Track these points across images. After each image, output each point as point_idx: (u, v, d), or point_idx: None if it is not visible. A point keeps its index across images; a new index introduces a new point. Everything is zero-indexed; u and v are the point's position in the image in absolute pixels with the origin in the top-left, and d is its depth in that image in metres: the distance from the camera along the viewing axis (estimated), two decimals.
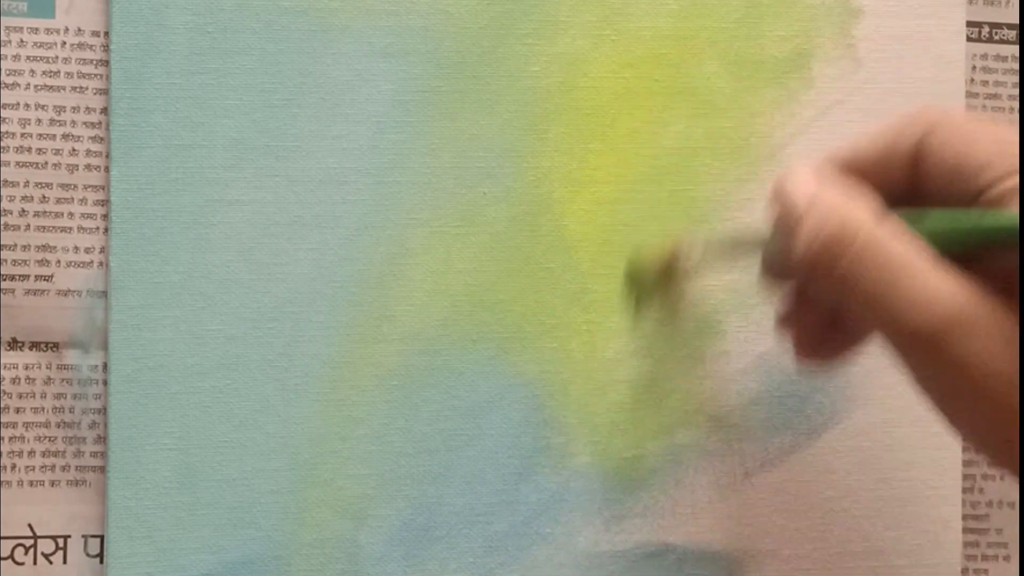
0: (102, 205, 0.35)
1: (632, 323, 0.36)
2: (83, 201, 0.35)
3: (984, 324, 0.24)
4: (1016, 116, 0.39)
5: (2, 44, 0.34)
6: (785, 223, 0.27)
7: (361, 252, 0.35)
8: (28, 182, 0.34)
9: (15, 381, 0.34)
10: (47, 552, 0.35)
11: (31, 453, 0.35)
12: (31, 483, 0.35)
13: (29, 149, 0.34)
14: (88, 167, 0.35)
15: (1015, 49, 0.39)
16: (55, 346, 0.35)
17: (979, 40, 0.39)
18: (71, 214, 0.35)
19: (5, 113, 0.34)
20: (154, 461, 0.34)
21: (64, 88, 0.35)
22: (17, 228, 0.34)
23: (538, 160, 0.36)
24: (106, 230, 0.35)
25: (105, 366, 0.35)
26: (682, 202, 0.36)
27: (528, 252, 0.36)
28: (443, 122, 0.35)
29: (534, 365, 0.36)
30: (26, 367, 0.35)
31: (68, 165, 0.35)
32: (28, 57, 0.34)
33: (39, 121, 0.34)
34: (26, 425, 0.34)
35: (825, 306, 0.29)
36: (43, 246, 0.34)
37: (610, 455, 0.36)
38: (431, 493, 0.35)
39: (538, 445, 0.36)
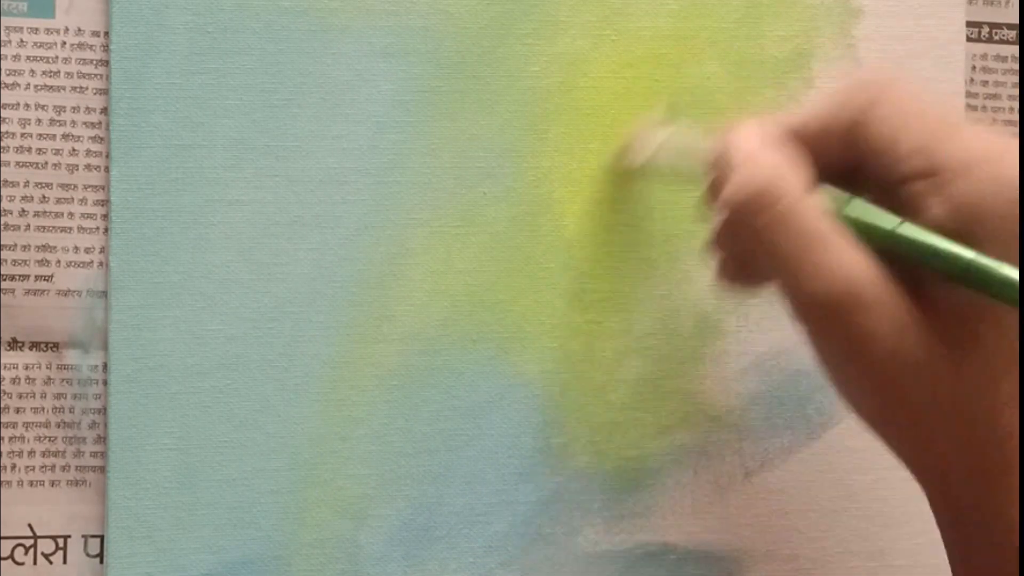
0: (102, 205, 0.35)
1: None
2: (83, 201, 0.35)
3: (881, 305, 0.25)
4: (1016, 116, 0.39)
5: (2, 44, 0.34)
6: (720, 168, 0.28)
7: (361, 252, 0.35)
8: (28, 182, 0.34)
9: (15, 381, 0.34)
10: (47, 552, 0.35)
11: (31, 453, 0.35)
12: (31, 483, 0.35)
13: (29, 149, 0.34)
14: (88, 167, 0.35)
15: (1015, 49, 0.39)
16: (55, 346, 0.35)
17: (979, 40, 0.39)
18: (71, 214, 0.35)
19: (5, 113, 0.34)
20: (154, 461, 0.34)
21: (64, 88, 0.35)
22: (17, 228, 0.34)
23: (538, 160, 0.36)
24: (106, 230, 0.35)
25: (105, 366, 0.35)
26: (682, 201, 0.36)
27: (528, 252, 0.36)
28: (443, 122, 0.35)
29: (534, 365, 0.36)
30: (26, 367, 0.35)
31: (68, 165, 0.35)
32: (28, 57, 0.34)
33: (39, 121, 0.34)
34: (26, 425, 0.34)
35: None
36: (43, 246, 0.34)
37: (610, 455, 0.36)
38: (431, 493, 0.35)
39: (538, 445, 0.36)
